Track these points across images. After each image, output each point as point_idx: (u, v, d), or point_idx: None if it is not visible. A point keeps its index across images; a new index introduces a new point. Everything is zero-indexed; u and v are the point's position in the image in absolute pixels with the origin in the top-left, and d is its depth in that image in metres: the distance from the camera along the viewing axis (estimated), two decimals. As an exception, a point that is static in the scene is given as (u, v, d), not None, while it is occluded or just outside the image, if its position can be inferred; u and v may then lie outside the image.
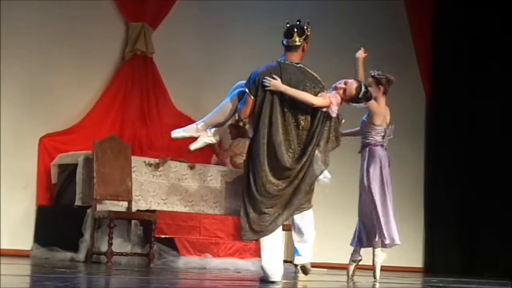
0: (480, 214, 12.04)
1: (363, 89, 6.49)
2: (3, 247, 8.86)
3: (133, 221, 8.63)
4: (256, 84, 6.29)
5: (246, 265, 8.68)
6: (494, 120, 12.14)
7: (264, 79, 6.25)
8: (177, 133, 6.59)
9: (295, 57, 6.39)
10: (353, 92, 6.46)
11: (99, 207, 8.54)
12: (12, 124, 9.24)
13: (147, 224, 8.51)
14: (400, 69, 11.80)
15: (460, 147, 12.30)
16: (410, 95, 12.20)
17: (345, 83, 6.45)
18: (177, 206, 9.29)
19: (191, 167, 9.48)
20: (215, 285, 6.10)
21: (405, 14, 12.40)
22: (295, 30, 6.33)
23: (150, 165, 9.17)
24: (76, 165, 8.94)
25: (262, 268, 6.30)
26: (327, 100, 6.23)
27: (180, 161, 9.47)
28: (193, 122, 7.16)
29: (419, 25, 12.48)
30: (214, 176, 9.64)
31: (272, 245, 6.26)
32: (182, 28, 10.49)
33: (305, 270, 6.64)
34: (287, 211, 6.27)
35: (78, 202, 8.83)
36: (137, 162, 9.08)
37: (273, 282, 6.22)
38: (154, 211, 8.76)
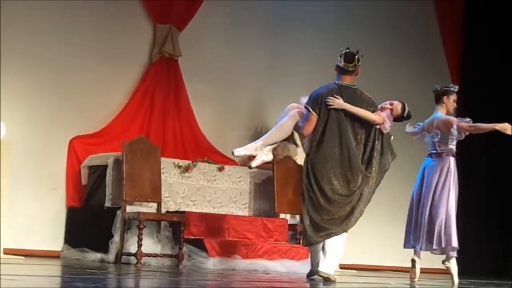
0: (508, 215, 11.99)
1: (407, 109, 7.50)
2: (34, 248, 8.93)
3: (162, 223, 8.65)
4: (319, 103, 6.95)
5: (275, 266, 8.68)
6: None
7: (328, 98, 6.93)
8: (239, 151, 7.13)
9: (350, 80, 7.09)
10: (399, 111, 7.48)
11: (128, 209, 8.57)
12: (42, 127, 9.29)
13: (177, 226, 8.54)
14: (429, 68, 12.06)
15: (486, 148, 12.00)
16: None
17: (391, 104, 7.42)
18: (206, 208, 9.34)
19: (220, 169, 9.52)
20: (244, 286, 6.09)
21: (434, 12, 12.35)
22: (356, 56, 7.04)
23: (179, 167, 9.22)
24: (106, 166, 9.00)
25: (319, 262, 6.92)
26: (382, 118, 7.02)
27: (209, 163, 9.53)
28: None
29: (448, 23, 12.42)
30: (243, 178, 9.70)
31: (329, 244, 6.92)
32: (208, 29, 10.49)
33: (327, 279, 6.94)
34: (356, 213, 6.93)
35: (108, 204, 8.89)
36: (166, 164, 9.14)
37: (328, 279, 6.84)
38: (183, 212, 8.78)
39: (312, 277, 7.03)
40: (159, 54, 10.01)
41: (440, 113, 8.07)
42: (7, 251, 8.38)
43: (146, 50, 10.05)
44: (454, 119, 8.01)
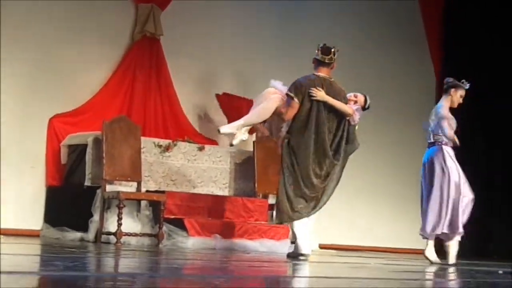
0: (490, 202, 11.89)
1: (368, 101, 7.87)
2: (13, 227, 8.90)
3: (142, 202, 8.67)
4: (302, 92, 7.46)
5: (255, 246, 8.74)
6: (507, 99, 12.04)
7: (311, 90, 7.43)
8: (224, 129, 7.63)
9: (327, 72, 7.57)
10: (362, 104, 7.84)
11: (108, 188, 8.58)
12: (20, 105, 9.24)
13: (156, 205, 8.55)
14: (410, 51, 12.16)
15: (473, 126, 11.97)
16: (419, 77, 12.24)
17: (355, 96, 7.82)
18: (186, 187, 9.34)
19: (200, 148, 9.52)
20: (224, 265, 6.15)
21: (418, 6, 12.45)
22: (332, 50, 7.51)
23: (159, 146, 9.22)
24: (85, 145, 8.98)
25: (296, 244, 7.34)
26: (353, 110, 7.61)
27: (190, 142, 9.51)
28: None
29: (429, 6, 12.45)
30: (224, 157, 9.72)
31: (304, 224, 7.40)
32: (191, 8, 10.43)
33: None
34: (325, 197, 7.50)
35: (87, 183, 8.88)
36: (147, 143, 9.14)
37: (305, 255, 7.27)
38: (163, 191, 8.79)
39: (299, 258, 7.28)
40: (140, 33, 9.99)
41: (441, 103, 8.23)
42: (-14, 230, 8.45)
43: (128, 29, 10.01)
44: (444, 118, 8.11)
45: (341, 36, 10.85)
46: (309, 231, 7.47)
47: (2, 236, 8.26)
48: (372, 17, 11.96)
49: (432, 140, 8.18)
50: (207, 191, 9.43)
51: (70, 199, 9.05)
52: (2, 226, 8.76)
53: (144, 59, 10.03)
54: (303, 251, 7.30)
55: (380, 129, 11.67)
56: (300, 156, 7.43)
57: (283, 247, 8.72)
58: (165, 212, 8.46)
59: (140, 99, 9.95)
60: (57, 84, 9.50)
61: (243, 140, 7.70)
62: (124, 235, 8.26)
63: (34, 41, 9.34)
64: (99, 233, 8.48)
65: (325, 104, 7.47)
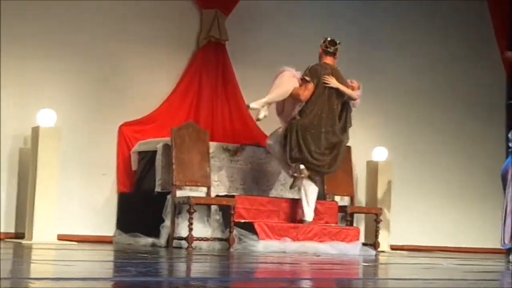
0: None
1: (361, 86, 8.95)
2: (87, 233, 9.00)
3: (212, 207, 8.67)
4: (317, 77, 8.63)
5: (326, 248, 8.66)
6: None
7: (325, 77, 8.62)
8: (253, 105, 8.59)
9: (332, 61, 8.84)
10: (357, 88, 8.86)
11: (178, 193, 8.61)
12: (91, 114, 9.30)
13: (226, 209, 8.54)
14: (478, 46, 11.94)
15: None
16: (489, 72, 12.01)
17: (352, 82, 8.86)
18: (256, 191, 9.31)
19: (269, 152, 9.34)
20: (295, 268, 6.10)
21: None
22: (338, 42, 8.80)
23: (228, 150, 9.20)
24: (155, 152, 9.01)
25: (303, 209, 8.75)
26: (356, 95, 8.80)
27: (258, 146, 9.47)
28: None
29: (499, 5, 12.12)
30: (292, 160, 9.73)
31: (313, 193, 8.75)
32: (255, 13, 10.38)
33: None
34: (332, 169, 8.80)
35: (158, 188, 8.91)
36: (215, 148, 9.11)
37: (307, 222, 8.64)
38: (233, 196, 8.78)
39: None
40: (206, 39, 9.97)
41: None
42: (61, 237, 8.49)
43: (193, 35, 9.99)
44: None
45: (412, 35, 10.94)
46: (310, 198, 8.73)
47: (76, 243, 8.38)
48: (440, 19, 11.81)
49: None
50: (276, 195, 9.38)
51: (141, 205, 9.09)
52: (76, 233, 8.86)
53: (210, 64, 10.02)
54: (307, 218, 8.70)
55: (452, 129, 11.56)
56: (310, 132, 8.58)
57: (354, 249, 8.69)
58: (235, 216, 8.44)
59: (207, 104, 9.94)
60: (125, 92, 9.55)
61: (265, 117, 8.60)
62: (195, 239, 8.26)
63: (101, 50, 9.39)
64: (171, 238, 8.49)
65: (335, 90, 8.66)
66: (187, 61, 9.96)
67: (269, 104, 8.68)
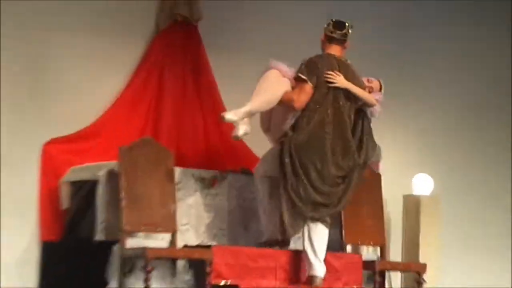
0: None
1: (383, 87, 8.23)
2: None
3: (179, 262, 7.95)
4: (318, 74, 7.64)
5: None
6: None
7: (327, 73, 7.64)
8: (229, 115, 7.58)
9: (341, 51, 7.85)
10: (377, 91, 8.23)
11: (130, 242, 7.76)
12: (5, 127, 8.29)
13: (200, 266, 7.84)
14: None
15: None
16: None
17: (369, 81, 8.16)
18: (242, 239, 8.50)
19: (261, 183, 8.12)
20: None
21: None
22: (347, 23, 7.79)
23: (202, 179, 8.28)
24: (95, 182, 8.07)
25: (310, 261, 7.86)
26: (375, 100, 7.92)
27: (246, 173, 8.45)
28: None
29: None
30: (296, 193, 8.36)
31: (323, 239, 7.85)
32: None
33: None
34: (341, 204, 7.96)
35: (100, 236, 8.01)
36: (183, 175, 8.19)
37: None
38: (209, 246, 8.01)
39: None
40: (169, 19, 8.78)
41: None
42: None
43: (150, 14, 8.99)
44: None
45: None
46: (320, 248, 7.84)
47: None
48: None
49: None
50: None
51: (74, 259, 8.19)
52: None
53: (175, 55, 8.71)
54: (317, 273, 7.84)
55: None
56: (309, 158, 7.71)
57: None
58: (212, 275, 7.76)
59: (171, 111, 8.69)
60: (55, 96, 8.53)
61: (247, 134, 7.68)
62: (155, 309, 7.27)
63: (24, 42, 8.52)
64: (119, 308, 7.38)
65: (344, 91, 7.73)
66: (142, 50, 8.85)
67: (251, 114, 7.76)
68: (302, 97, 7.67)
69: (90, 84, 8.79)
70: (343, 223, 8.97)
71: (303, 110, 7.68)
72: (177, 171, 8.14)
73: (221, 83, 9.29)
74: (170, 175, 7.99)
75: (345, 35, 7.86)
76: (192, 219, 8.35)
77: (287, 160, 7.63)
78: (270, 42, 9.52)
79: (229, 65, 9.35)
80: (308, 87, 7.66)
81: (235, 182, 8.53)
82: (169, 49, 8.96)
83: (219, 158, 8.90)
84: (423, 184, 10.11)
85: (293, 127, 7.70)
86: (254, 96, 7.67)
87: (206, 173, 8.41)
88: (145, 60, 8.86)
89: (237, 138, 7.76)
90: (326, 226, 8.00)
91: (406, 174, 10.17)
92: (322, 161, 7.76)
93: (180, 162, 8.40)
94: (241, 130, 7.61)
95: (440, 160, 10.91)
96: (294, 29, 9.90)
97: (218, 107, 8.96)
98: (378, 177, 9.13)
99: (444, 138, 11.14)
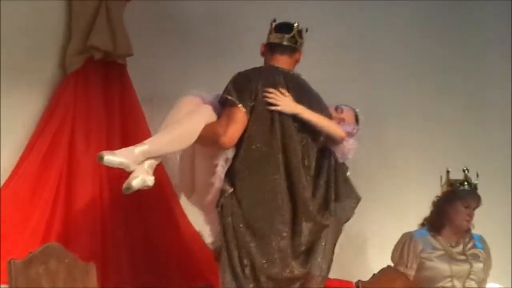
0: None
1: (359, 118, 6.15)
2: None
3: None
4: (251, 95, 5.31)
5: None
6: None
7: (267, 91, 5.30)
8: (110, 157, 5.07)
9: (289, 64, 5.58)
10: (352, 121, 6.07)
11: None
12: None
13: None
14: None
15: None
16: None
17: (339, 111, 6.02)
18: None
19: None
20: None
21: None
22: (296, 25, 5.59)
23: None
24: None
25: None
26: (343, 132, 5.62)
27: None
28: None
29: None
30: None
31: None
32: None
33: None
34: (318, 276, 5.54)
35: None
36: None
37: None
38: None
39: None
40: (82, 55, 6.01)
41: None
42: None
43: (55, 49, 6.18)
44: None
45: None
46: None
47: None
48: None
49: None
50: None
51: None
52: None
53: (91, 108, 6.11)
54: None
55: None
56: (257, 221, 5.29)
57: None
58: None
59: (87, 201, 6.01)
60: None
61: (148, 186, 5.20)
62: None
63: None
64: None
65: (295, 119, 5.40)
66: (42, 105, 6.09)
67: (154, 158, 5.26)
68: (232, 128, 5.30)
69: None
70: None
71: (238, 147, 5.35)
72: (104, 293, 5.27)
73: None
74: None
75: (294, 40, 5.62)
76: None
77: (231, 244, 5.32)
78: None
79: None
80: (242, 115, 5.29)
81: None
82: (82, 102, 6.29)
83: (169, 270, 6.25)
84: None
85: (230, 173, 5.29)
86: (158, 131, 5.31)
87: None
88: (47, 117, 6.25)
89: (129, 191, 5.20)
90: None
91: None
92: (268, 231, 5.47)
93: (106, 280, 5.76)
94: (136, 180, 5.13)
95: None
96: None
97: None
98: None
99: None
